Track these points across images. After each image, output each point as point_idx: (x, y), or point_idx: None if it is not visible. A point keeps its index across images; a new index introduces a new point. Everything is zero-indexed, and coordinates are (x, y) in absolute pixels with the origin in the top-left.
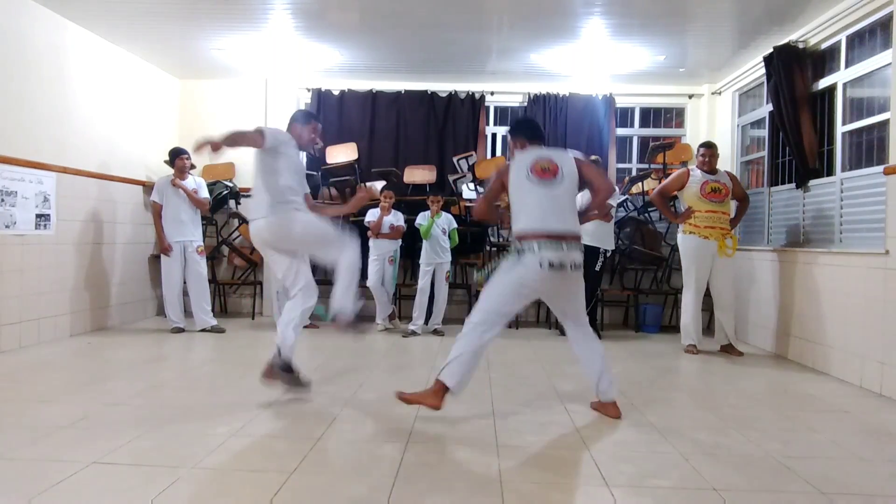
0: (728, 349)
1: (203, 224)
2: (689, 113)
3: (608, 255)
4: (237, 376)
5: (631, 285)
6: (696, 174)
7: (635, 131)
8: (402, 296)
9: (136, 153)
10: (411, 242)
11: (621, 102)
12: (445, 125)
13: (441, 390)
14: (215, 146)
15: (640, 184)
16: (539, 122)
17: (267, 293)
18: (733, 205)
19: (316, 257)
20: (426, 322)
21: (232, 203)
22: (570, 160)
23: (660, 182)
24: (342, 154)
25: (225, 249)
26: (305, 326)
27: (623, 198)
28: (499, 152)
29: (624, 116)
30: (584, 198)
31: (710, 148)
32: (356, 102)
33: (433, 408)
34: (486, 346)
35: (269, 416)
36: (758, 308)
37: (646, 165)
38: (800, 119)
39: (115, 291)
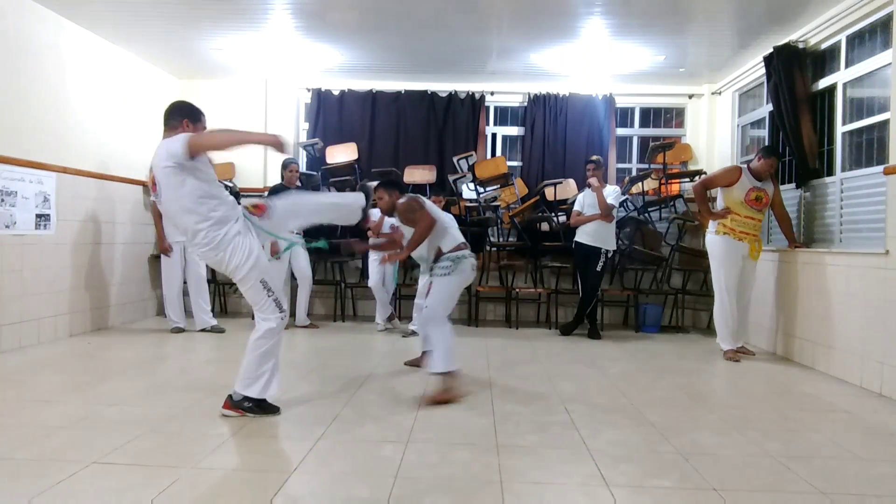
0: (742, 349)
1: None
2: (689, 113)
3: (609, 255)
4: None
5: (631, 285)
6: (745, 178)
7: (635, 131)
8: (402, 296)
9: (136, 153)
10: None
11: (621, 102)
12: (445, 125)
13: (449, 378)
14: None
15: (640, 184)
16: (539, 121)
17: None
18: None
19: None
20: None
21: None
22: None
23: (660, 182)
24: (342, 154)
25: None
26: (305, 327)
27: (623, 198)
28: (499, 152)
29: (624, 116)
30: (585, 198)
31: (778, 158)
32: (356, 102)
33: (458, 396)
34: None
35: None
36: (758, 308)
37: (646, 165)
38: (800, 119)
39: (115, 291)
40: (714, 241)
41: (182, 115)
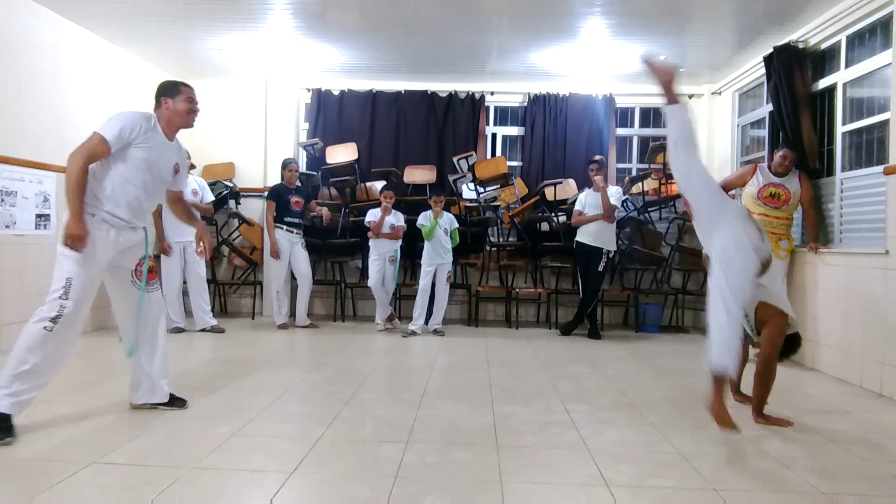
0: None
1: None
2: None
3: (610, 255)
4: (237, 376)
5: (631, 285)
6: (760, 175)
7: (635, 131)
8: (402, 296)
9: None
10: (411, 242)
11: (621, 102)
12: (445, 125)
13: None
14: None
15: (640, 184)
16: (539, 121)
17: (267, 293)
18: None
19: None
20: (426, 322)
21: (232, 203)
22: None
23: (660, 182)
24: (342, 154)
25: (225, 249)
26: (305, 327)
27: (624, 198)
28: (499, 152)
29: (624, 116)
30: (587, 198)
31: (792, 150)
32: (356, 102)
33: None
34: None
35: (269, 416)
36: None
37: (646, 165)
38: (800, 119)
39: None
40: None
41: (159, 95)
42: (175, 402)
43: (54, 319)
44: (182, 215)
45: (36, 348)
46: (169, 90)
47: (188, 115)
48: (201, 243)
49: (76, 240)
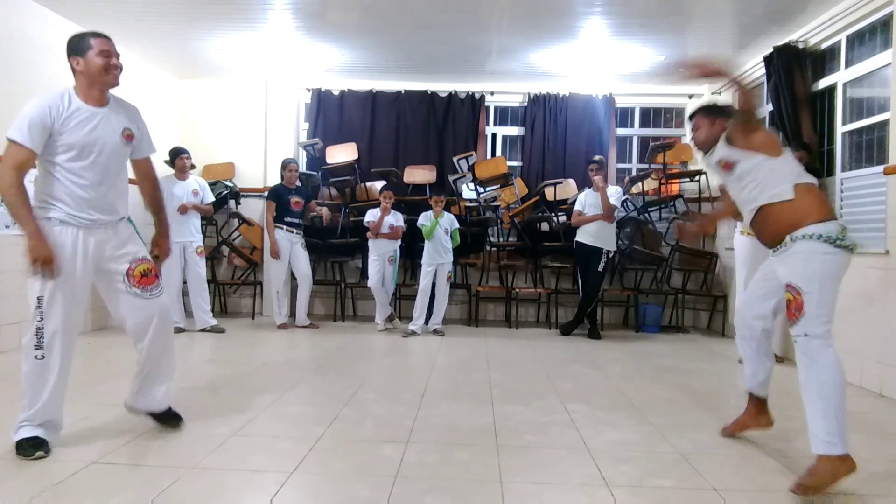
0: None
1: (203, 224)
2: (689, 113)
3: (611, 255)
4: (237, 376)
5: (631, 285)
6: None
7: (635, 131)
8: (402, 296)
9: None
10: (411, 242)
11: (621, 102)
12: (445, 125)
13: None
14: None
15: (640, 184)
16: (539, 121)
17: (267, 293)
18: None
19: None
20: (426, 322)
21: (232, 203)
22: None
23: (660, 182)
24: (342, 154)
25: (225, 249)
26: (305, 327)
27: (624, 198)
28: (499, 152)
29: (624, 116)
30: (587, 198)
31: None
32: (356, 102)
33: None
34: None
35: (269, 416)
36: None
37: (646, 165)
38: (800, 119)
39: None
40: (739, 241)
41: (67, 56)
42: (169, 419)
43: (38, 345)
44: (148, 198)
45: (37, 382)
46: (77, 47)
47: (107, 72)
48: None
49: (45, 262)
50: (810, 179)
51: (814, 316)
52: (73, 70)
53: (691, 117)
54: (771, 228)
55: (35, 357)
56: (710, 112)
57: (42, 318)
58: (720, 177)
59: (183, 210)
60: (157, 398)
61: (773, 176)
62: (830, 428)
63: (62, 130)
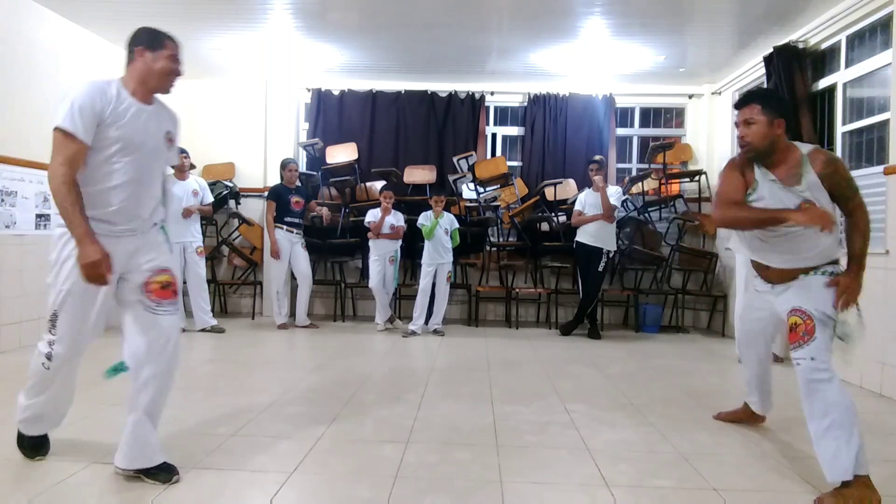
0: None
1: (203, 224)
2: (689, 113)
3: (610, 255)
4: (237, 376)
5: (631, 285)
6: None
7: (635, 131)
8: (402, 296)
9: None
10: (411, 242)
11: (621, 102)
12: (445, 125)
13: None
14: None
15: (640, 184)
16: (539, 121)
17: (267, 293)
18: None
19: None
20: (426, 322)
21: (232, 203)
22: None
23: (660, 182)
24: (342, 154)
25: (225, 249)
26: (305, 327)
27: (624, 198)
28: (499, 152)
29: (624, 116)
30: (587, 198)
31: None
32: (356, 102)
33: None
34: None
35: (269, 416)
36: None
37: (646, 165)
38: (800, 119)
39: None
40: (737, 240)
41: (134, 44)
42: (161, 472)
43: (48, 356)
44: None
45: (38, 385)
46: (150, 40)
47: (167, 78)
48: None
49: (97, 267)
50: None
51: (824, 341)
52: (130, 61)
53: (743, 104)
54: (787, 275)
55: (42, 364)
56: (773, 105)
57: (54, 333)
58: (773, 198)
59: (187, 214)
60: (155, 447)
61: (830, 240)
62: (851, 450)
63: (109, 122)
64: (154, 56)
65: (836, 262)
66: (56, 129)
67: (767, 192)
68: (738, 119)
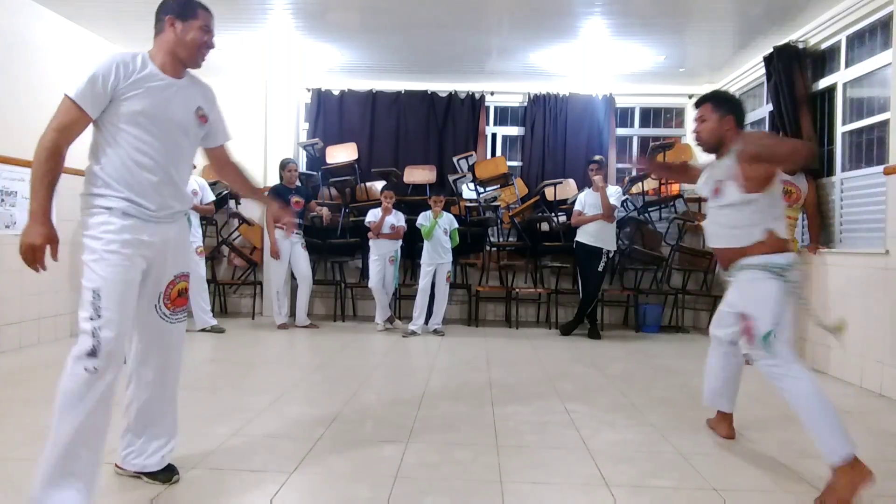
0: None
1: (203, 224)
2: (689, 113)
3: (610, 255)
4: (237, 376)
5: (631, 285)
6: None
7: (635, 131)
8: (402, 296)
9: None
10: (411, 242)
11: (621, 102)
12: (445, 125)
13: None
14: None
15: (640, 184)
16: (539, 121)
17: (267, 293)
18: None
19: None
20: (426, 322)
21: (232, 203)
22: None
23: (660, 182)
24: (342, 154)
25: (225, 249)
26: (305, 327)
27: (623, 198)
28: (499, 152)
29: (624, 116)
30: (587, 198)
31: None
32: (356, 102)
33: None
34: None
35: (269, 416)
36: None
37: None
38: (800, 119)
39: None
40: None
41: (164, 12)
42: (161, 472)
43: (93, 353)
44: (238, 184)
45: (78, 412)
46: (181, 8)
47: (198, 50)
48: (292, 220)
49: (35, 251)
50: (783, 224)
51: (767, 337)
52: (159, 31)
53: (698, 104)
54: (724, 258)
55: (85, 370)
56: (721, 104)
57: (100, 316)
58: (704, 190)
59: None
60: (157, 455)
61: (755, 218)
62: (830, 435)
63: (128, 94)
64: (185, 26)
65: (767, 247)
66: (65, 95)
67: (705, 177)
68: (695, 118)
